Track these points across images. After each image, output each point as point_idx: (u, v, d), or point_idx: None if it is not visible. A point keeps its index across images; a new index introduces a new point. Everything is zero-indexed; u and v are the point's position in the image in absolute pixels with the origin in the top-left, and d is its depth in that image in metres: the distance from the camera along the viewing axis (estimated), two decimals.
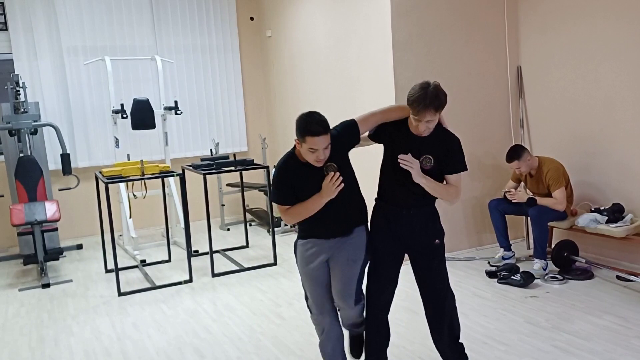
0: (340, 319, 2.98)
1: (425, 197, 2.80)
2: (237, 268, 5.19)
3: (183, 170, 5.08)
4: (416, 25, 4.93)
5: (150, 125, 5.86)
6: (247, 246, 5.99)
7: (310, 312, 2.93)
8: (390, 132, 2.83)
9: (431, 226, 2.86)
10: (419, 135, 2.76)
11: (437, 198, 2.83)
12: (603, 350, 3.19)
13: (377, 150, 2.96)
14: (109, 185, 4.64)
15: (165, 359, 3.41)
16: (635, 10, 4.30)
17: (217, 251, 5.75)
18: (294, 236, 6.37)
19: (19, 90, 5.61)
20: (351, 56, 5.52)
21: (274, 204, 2.56)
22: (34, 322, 4.15)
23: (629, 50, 4.39)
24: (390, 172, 2.84)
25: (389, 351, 3.34)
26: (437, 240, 2.85)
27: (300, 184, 2.64)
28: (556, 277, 4.36)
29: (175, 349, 3.55)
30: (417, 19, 4.92)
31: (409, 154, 2.70)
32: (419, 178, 2.69)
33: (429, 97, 2.60)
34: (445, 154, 2.78)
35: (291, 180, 2.64)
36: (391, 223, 2.86)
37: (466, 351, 3.22)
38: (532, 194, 4.74)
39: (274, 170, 2.62)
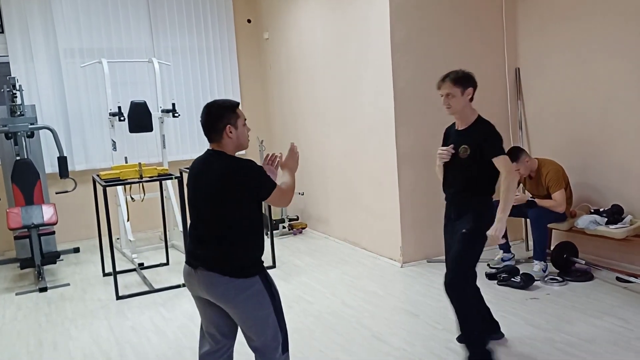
0: None
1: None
2: None
3: (181, 173, 5.06)
4: (415, 27, 4.92)
5: (148, 127, 5.83)
6: None
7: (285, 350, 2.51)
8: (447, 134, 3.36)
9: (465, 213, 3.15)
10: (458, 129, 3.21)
11: (483, 189, 3.15)
12: (604, 352, 3.19)
13: None
14: (107, 188, 4.61)
15: None
16: (633, 12, 4.31)
17: None
18: (292, 239, 6.36)
19: (15, 93, 5.58)
20: (350, 58, 5.51)
21: (280, 197, 2.47)
22: (32, 327, 4.11)
23: (627, 52, 4.39)
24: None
25: (391, 354, 3.33)
26: (465, 230, 3.08)
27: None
28: (556, 279, 4.35)
29: (175, 352, 3.52)
30: (416, 21, 4.92)
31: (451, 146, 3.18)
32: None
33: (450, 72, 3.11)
34: (483, 141, 3.09)
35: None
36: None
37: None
38: (531, 195, 4.73)
39: (251, 169, 2.43)
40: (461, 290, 3.10)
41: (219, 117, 2.42)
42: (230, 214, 2.38)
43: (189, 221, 2.63)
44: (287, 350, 2.47)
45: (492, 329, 3.42)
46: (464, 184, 3.15)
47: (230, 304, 2.39)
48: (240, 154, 2.52)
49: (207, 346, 2.56)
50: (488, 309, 3.42)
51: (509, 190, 3.03)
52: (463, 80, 3.07)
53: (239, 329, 2.52)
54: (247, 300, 2.37)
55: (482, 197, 3.16)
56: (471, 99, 3.12)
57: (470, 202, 3.15)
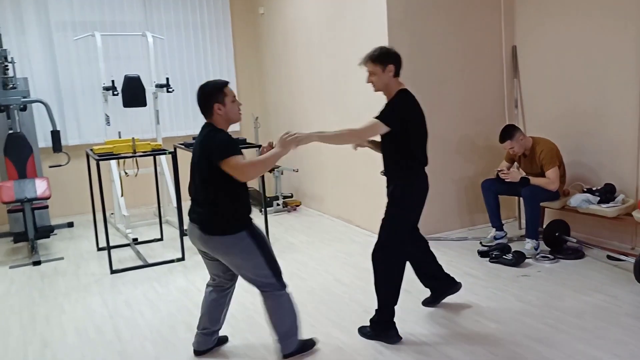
0: None
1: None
2: None
3: (175, 149, 5.04)
4: (412, 5, 4.87)
5: (142, 102, 5.78)
6: None
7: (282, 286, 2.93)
8: None
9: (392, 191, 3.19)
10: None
11: (400, 166, 3.15)
12: (593, 327, 3.23)
13: None
14: (100, 163, 4.59)
15: (158, 337, 3.41)
16: None
17: None
18: (287, 216, 6.37)
19: (7, 66, 5.50)
20: (345, 34, 5.46)
21: (235, 166, 2.65)
22: (25, 300, 4.13)
23: (624, 31, 4.36)
24: None
25: None
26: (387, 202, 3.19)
27: None
28: (547, 257, 4.39)
29: (168, 326, 3.55)
30: None
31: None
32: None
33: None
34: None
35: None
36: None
37: (458, 329, 3.25)
38: (525, 174, 4.74)
39: (209, 140, 2.75)
40: (382, 261, 3.18)
41: (208, 97, 2.77)
42: (212, 178, 2.71)
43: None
44: (285, 286, 2.91)
45: (449, 285, 3.61)
46: (385, 161, 3.21)
47: (223, 257, 2.83)
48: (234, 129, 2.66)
49: (211, 281, 3.10)
50: (440, 267, 3.58)
51: (338, 135, 3.10)
52: (382, 58, 3.08)
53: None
54: (237, 254, 2.78)
55: (400, 172, 3.17)
56: (396, 74, 3.11)
57: (391, 179, 3.21)
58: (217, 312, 3.10)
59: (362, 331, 3.27)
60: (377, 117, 3.02)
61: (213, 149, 2.68)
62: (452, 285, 3.63)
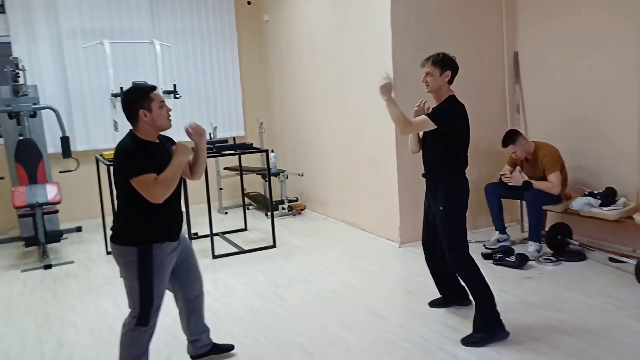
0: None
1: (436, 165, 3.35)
2: (236, 250, 5.26)
3: None
4: (415, 11, 4.96)
5: None
6: (245, 229, 6.06)
7: (149, 322, 2.74)
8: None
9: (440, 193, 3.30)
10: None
11: (448, 167, 3.30)
12: (596, 329, 3.29)
13: None
14: (110, 168, 4.67)
15: (170, 337, 3.48)
16: None
17: (216, 234, 5.80)
18: (292, 220, 6.44)
19: (18, 73, 5.61)
20: (349, 41, 5.55)
21: (143, 187, 2.53)
22: (39, 302, 4.21)
23: (624, 36, 4.44)
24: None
25: (389, 331, 3.43)
26: (441, 207, 3.28)
27: (154, 160, 2.62)
28: (550, 259, 4.45)
29: (179, 326, 3.60)
30: (416, 4, 4.95)
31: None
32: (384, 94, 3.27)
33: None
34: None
35: (147, 156, 2.60)
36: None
37: (463, 330, 3.31)
38: (528, 178, 4.81)
39: (120, 153, 2.61)
40: (463, 263, 3.28)
41: (133, 103, 2.60)
42: (121, 189, 2.63)
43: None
44: (144, 325, 2.71)
45: (460, 297, 3.67)
46: (430, 163, 3.39)
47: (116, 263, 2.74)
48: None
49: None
50: (456, 278, 3.63)
51: (398, 115, 3.24)
52: (443, 63, 3.27)
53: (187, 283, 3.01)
54: (121, 265, 2.70)
55: (448, 173, 3.31)
56: (450, 81, 3.31)
57: (439, 178, 3.35)
58: (185, 323, 3.10)
59: (469, 340, 3.17)
60: (427, 115, 3.21)
61: (122, 163, 2.58)
62: (463, 298, 3.67)
